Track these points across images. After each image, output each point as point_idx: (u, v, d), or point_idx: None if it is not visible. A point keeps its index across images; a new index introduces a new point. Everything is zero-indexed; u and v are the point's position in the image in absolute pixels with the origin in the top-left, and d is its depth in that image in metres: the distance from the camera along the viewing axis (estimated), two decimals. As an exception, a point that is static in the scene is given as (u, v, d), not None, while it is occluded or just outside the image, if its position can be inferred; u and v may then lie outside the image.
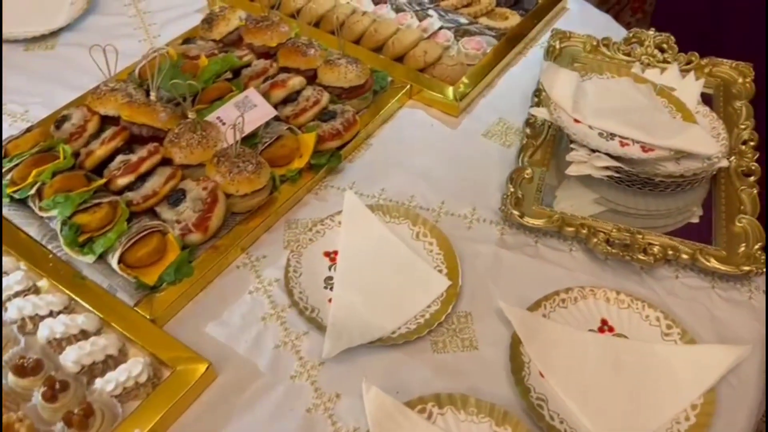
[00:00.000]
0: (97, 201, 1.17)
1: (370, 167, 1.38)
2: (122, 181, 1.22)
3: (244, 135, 1.29)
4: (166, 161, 1.27)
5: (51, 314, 1.07)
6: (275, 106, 1.40)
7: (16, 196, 1.21)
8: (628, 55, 1.59)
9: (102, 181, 1.22)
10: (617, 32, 1.73)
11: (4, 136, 1.38)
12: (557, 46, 1.60)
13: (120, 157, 1.25)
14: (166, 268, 1.13)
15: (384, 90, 1.51)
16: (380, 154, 1.41)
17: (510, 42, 1.63)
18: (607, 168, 1.25)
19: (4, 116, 1.49)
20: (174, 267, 1.13)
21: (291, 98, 1.40)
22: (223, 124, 1.32)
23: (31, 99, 1.53)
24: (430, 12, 1.70)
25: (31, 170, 1.21)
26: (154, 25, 1.76)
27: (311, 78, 1.47)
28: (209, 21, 1.57)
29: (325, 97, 1.39)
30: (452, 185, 1.34)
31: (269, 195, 1.27)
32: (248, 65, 1.48)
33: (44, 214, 1.18)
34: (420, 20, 1.68)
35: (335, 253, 1.21)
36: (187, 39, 1.56)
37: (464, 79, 1.51)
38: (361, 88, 1.45)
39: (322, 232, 1.24)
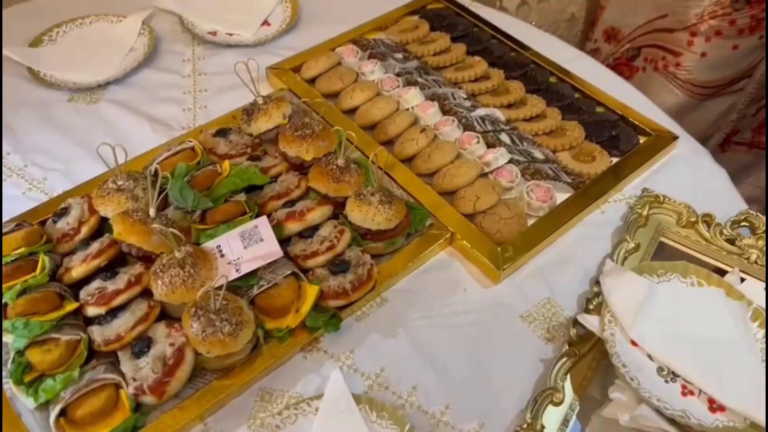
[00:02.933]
0: (56, 336, 1.06)
1: (377, 332, 1.18)
2: (91, 312, 1.10)
3: (241, 274, 1.14)
4: (149, 290, 1.13)
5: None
6: (288, 239, 1.23)
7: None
8: (732, 242, 1.28)
9: (72, 308, 1.10)
10: (733, 204, 1.39)
11: (21, 207, 1.32)
12: (644, 213, 1.32)
13: (97, 283, 1.12)
14: (106, 436, 1.00)
15: (419, 233, 1.29)
16: (394, 316, 1.21)
17: (588, 195, 1.36)
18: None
19: (21, 180, 1.41)
20: (114, 437, 1.00)
21: (306, 233, 1.23)
22: (222, 255, 1.17)
23: (54, 164, 1.45)
24: (503, 136, 1.45)
25: (4, 280, 1.11)
26: (205, 92, 1.63)
27: (342, 205, 1.28)
28: (249, 113, 1.41)
29: (343, 242, 1.20)
30: (465, 384, 1.12)
31: (249, 353, 1.11)
32: (274, 179, 1.32)
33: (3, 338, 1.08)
34: (488, 145, 1.44)
35: (300, 451, 1.03)
36: (222, 130, 1.40)
37: (516, 241, 1.26)
38: (392, 230, 1.25)
39: (293, 417, 1.06)
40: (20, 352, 1.04)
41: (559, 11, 2.61)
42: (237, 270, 1.15)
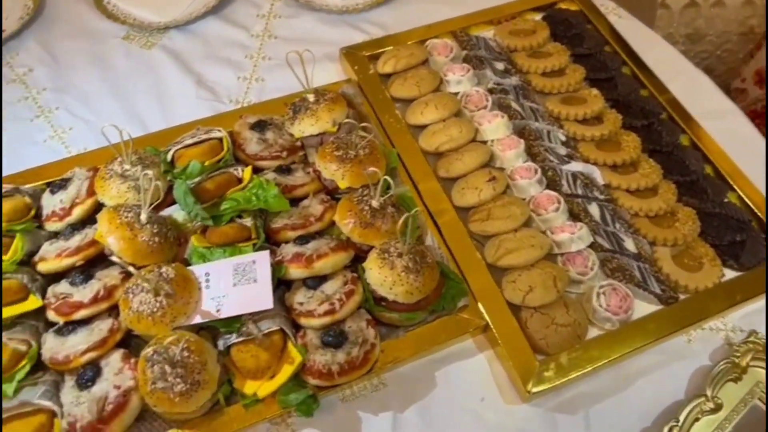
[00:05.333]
0: (9, 336, 0.95)
1: (360, 424, 0.99)
2: (51, 317, 0.98)
3: (222, 317, 0.97)
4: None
5: None
6: (290, 284, 1.04)
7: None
8: None
9: (33, 307, 0.98)
10: None
11: (36, 157, 1.21)
12: (742, 363, 1.00)
13: (65, 285, 1.00)
14: (23, 470, 0.89)
15: (447, 313, 1.06)
16: (386, 408, 1.00)
17: (677, 317, 1.06)
18: None
19: (47, 125, 1.29)
20: (31, 473, 0.89)
21: (312, 282, 1.02)
22: (208, 287, 1.00)
23: (85, 113, 1.31)
24: (593, 207, 1.15)
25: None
26: (269, 61, 1.41)
27: (366, 252, 1.06)
28: (295, 109, 1.19)
29: (347, 308, 0.99)
30: None
31: (207, 411, 0.96)
32: (298, 200, 1.11)
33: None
34: (571, 214, 1.15)
35: None
36: (261, 122, 1.20)
37: (563, 359, 1.00)
38: (413, 303, 1.02)
39: (231, 507, 0.91)
40: (-35, 348, 0.95)
41: (735, 21, 2.12)
42: (218, 310, 0.98)
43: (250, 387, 0.96)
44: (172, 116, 1.29)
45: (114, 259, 1.01)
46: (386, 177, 1.02)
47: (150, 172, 0.98)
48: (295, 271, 1.02)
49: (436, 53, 1.36)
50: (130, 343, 1.01)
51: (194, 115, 1.27)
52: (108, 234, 1.00)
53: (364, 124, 1.09)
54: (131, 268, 0.92)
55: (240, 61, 1.41)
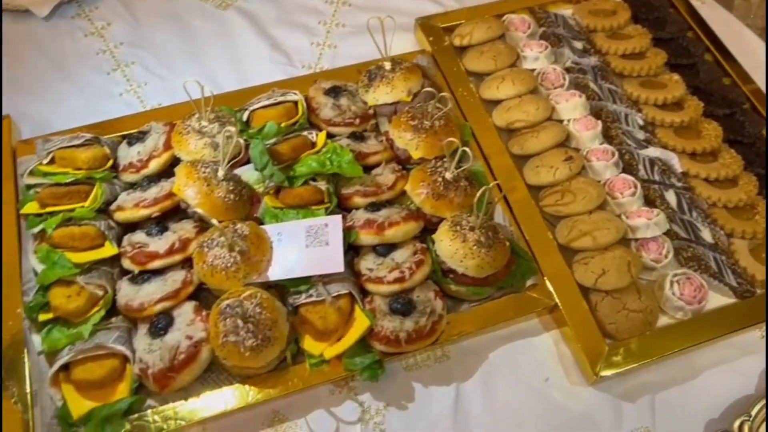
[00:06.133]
0: (81, 282, 0.96)
1: (423, 394, 0.99)
2: (126, 265, 1.00)
3: (293, 277, 0.98)
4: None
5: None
6: (358, 250, 1.04)
7: (27, 222, 1.04)
8: None
9: (110, 254, 1.00)
10: None
11: (111, 109, 1.23)
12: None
13: (141, 235, 1.01)
14: (96, 410, 0.91)
15: (515, 290, 1.05)
16: (449, 380, 1.00)
17: (752, 311, 1.03)
18: None
19: (122, 79, 1.31)
20: (104, 415, 0.90)
21: (381, 249, 1.02)
22: (279, 246, 1.00)
23: (160, 69, 1.33)
24: (669, 195, 1.12)
25: (54, 201, 1.03)
26: (342, 28, 1.40)
27: (436, 225, 1.05)
28: (371, 77, 1.18)
29: (416, 277, 0.99)
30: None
31: (273, 368, 0.97)
32: (369, 168, 1.11)
33: (33, 264, 1.01)
34: (647, 200, 1.12)
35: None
36: (336, 88, 1.19)
37: (632, 345, 0.98)
38: (482, 278, 1.01)
39: (293, 464, 0.92)
40: (44, 287, 0.97)
41: (816, 16, 2.03)
42: (289, 270, 0.99)
43: (316, 347, 0.97)
44: (246, 78, 1.30)
45: (198, 211, 1.01)
46: (464, 148, 1.01)
47: (231, 129, 0.99)
48: (366, 237, 1.02)
49: (513, 28, 1.34)
50: (200, 296, 1.02)
51: (267, 77, 1.27)
52: (185, 187, 1.01)
53: (442, 94, 1.07)
54: (214, 220, 0.93)
55: (313, 27, 1.41)
